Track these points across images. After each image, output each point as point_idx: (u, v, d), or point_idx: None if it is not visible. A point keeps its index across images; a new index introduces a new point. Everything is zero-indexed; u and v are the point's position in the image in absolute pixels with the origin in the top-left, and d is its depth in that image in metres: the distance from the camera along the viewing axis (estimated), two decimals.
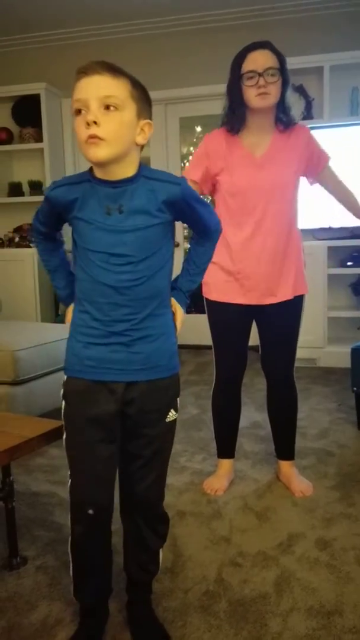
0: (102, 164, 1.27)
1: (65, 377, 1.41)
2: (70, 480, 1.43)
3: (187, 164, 5.66)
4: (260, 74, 1.99)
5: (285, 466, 2.39)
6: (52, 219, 1.43)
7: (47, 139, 4.91)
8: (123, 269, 1.31)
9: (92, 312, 1.34)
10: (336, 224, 4.34)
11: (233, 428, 2.41)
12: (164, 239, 1.36)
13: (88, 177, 1.32)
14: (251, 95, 2.03)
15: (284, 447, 2.40)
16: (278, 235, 2.13)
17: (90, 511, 1.39)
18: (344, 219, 4.30)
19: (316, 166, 2.22)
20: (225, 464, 2.41)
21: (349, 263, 4.38)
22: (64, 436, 1.43)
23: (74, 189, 1.32)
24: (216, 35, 4.72)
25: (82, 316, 1.37)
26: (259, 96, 2.02)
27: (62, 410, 1.43)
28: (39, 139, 4.96)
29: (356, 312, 4.43)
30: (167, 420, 1.43)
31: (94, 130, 1.21)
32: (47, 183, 4.94)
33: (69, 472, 1.42)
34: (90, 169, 1.33)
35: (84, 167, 1.35)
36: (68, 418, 1.41)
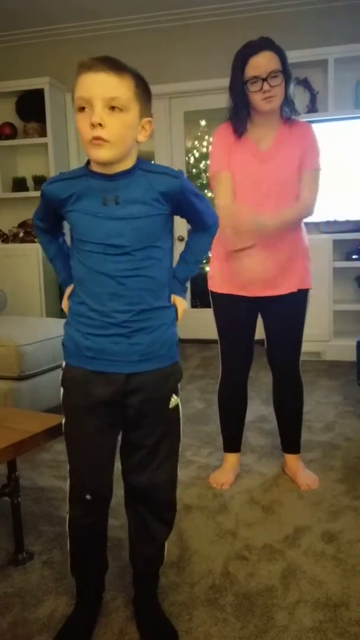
0: (105, 164, 1.28)
1: (64, 363, 1.42)
2: (69, 466, 1.45)
3: (191, 158, 5.66)
4: (264, 79, 2.00)
5: (291, 460, 2.39)
6: (50, 215, 1.44)
7: (51, 133, 4.90)
8: (120, 259, 1.31)
9: (90, 303, 1.34)
10: (341, 217, 4.33)
11: (239, 422, 2.41)
12: (162, 231, 1.36)
13: (84, 172, 1.33)
14: (257, 100, 2.05)
15: (290, 440, 2.40)
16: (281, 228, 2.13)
17: (88, 496, 1.42)
18: (350, 212, 4.30)
19: (302, 165, 2.13)
20: (231, 457, 2.41)
21: (354, 256, 4.36)
22: (63, 422, 1.45)
23: (70, 185, 1.33)
24: (221, 29, 4.69)
25: (80, 307, 1.37)
26: (265, 100, 2.04)
27: (61, 397, 1.44)
28: (43, 133, 4.95)
29: None
30: (170, 406, 1.43)
31: (98, 132, 1.22)
32: None
33: (67, 457, 1.45)
34: (87, 163, 1.34)
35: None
36: (67, 405, 1.43)
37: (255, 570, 1.76)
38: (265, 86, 2.01)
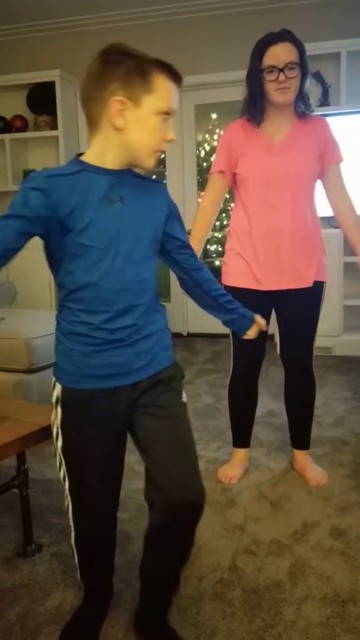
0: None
1: (58, 385, 1.33)
2: (68, 483, 1.38)
3: (202, 152, 5.64)
4: (280, 70, 2.00)
5: (300, 455, 2.38)
6: (27, 230, 1.18)
7: (62, 126, 4.89)
8: (128, 268, 1.25)
9: (94, 321, 1.25)
10: None
11: (249, 418, 2.40)
12: (157, 240, 1.35)
13: (81, 167, 1.22)
14: (271, 89, 2.04)
15: (300, 436, 2.39)
16: (296, 221, 2.13)
17: (101, 512, 1.38)
18: None
19: (326, 161, 2.17)
20: (240, 452, 2.41)
21: None
22: (59, 444, 1.35)
23: (70, 182, 1.20)
24: (232, 21, 4.66)
25: (80, 327, 1.26)
26: (279, 91, 2.03)
27: (58, 419, 1.34)
28: (54, 126, 4.94)
29: None
30: (183, 400, 1.39)
31: (166, 147, 1.25)
32: None
33: (63, 474, 1.38)
34: (78, 156, 1.26)
35: None
36: (68, 427, 1.33)
37: (263, 565, 1.75)
38: (281, 77, 2.00)
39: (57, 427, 1.35)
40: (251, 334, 1.62)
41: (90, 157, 1.24)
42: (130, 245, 1.26)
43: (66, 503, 1.42)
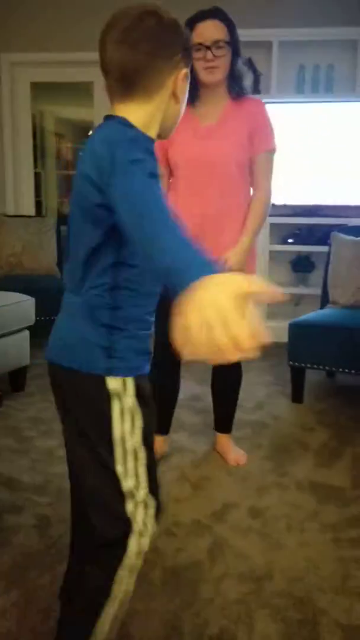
0: None
1: (127, 380, 1.15)
2: (151, 496, 1.17)
3: None
4: (208, 47, 1.96)
5: (222, 438, 2.43)
6: None
7: None
8: None
9: (150, 304, 1.17)
10: (279, 202, 4.37)
11: (170, 406, 2.38)
12: None
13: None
14: (199, 68, 2.00)
15: (224, 420, 2.43)
16: (223, 209, 2.11)
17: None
18: (287, 197, 4.36)
19: (255, 148, 2.11)
20: (158, 440, 2.38)
21: (289, 240, 4.43)
22: (143, 454, 1.15)
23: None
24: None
25: (138, 311, 1.14)
26: (207, 70, 1.99)
27: (140, 421, 1.14)
28: None
29: (295, 289, 4.50)
30: None
31: None
32: None
33: (145, 491, 1.16)
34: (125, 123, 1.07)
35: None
36: (147, 426, 1.16)
37: (183, 545, 1.78)
38: (209, 55, 1.96)
39: (140, 434, 1.14)
40: None
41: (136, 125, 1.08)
42: None
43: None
